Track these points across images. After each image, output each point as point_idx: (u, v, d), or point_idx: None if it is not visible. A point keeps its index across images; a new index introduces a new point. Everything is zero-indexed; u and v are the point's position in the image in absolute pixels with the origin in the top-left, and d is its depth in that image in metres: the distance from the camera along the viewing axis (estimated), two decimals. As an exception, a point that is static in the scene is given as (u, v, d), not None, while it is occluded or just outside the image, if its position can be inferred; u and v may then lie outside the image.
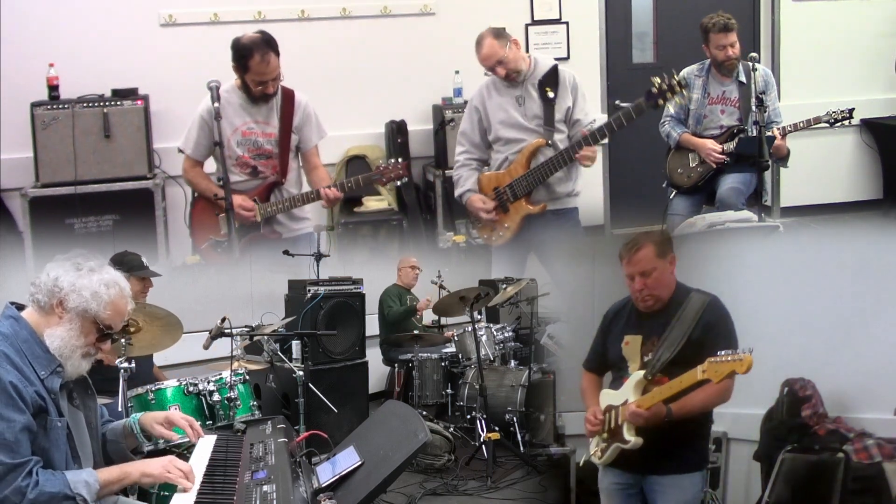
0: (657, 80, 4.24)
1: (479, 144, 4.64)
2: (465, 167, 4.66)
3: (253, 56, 4.17)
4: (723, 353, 2.52)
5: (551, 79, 4.45)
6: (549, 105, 4.43)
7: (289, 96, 4.38)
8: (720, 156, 4.98)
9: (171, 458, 2.49)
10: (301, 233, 4.60)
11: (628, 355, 2.85)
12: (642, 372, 2.76)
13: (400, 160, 4.42)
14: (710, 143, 5.03)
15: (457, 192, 4.71)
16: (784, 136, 4.90)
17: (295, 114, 4.39)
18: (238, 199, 4.30)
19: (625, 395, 2.80)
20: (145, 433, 2.71)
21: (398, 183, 4.50)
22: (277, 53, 4.22)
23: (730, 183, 4.97)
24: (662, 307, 2.82)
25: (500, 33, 4.44)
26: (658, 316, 2.82)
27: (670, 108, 5.22)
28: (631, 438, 2.72)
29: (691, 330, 2.71)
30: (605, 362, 3.02)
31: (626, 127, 4.33)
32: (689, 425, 2.74)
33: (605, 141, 4.41)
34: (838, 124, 5.09)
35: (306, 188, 4.57)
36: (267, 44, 4.19)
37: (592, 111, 4.54)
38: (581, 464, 3.18)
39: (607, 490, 2.94)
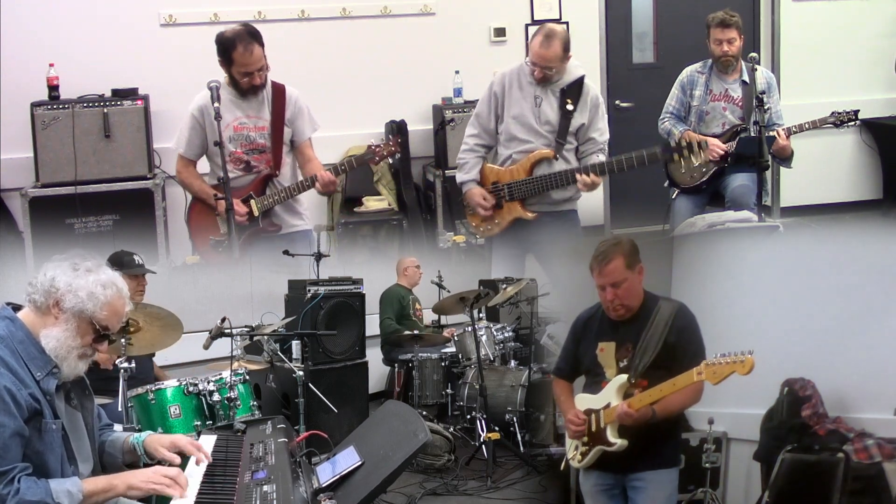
0: (679, 133, 4.21)
1: (491, 131, 4.57)
2: (472, 153, 4.59)
3: (236, 48, 4.15)
4: (720, 355, 2.61)
5: (574, 90, 4.41)
6: (566, 117, 4.40)
7: (279, 90, 4.37)
8: (722, 150, 4.98)
9: (158, 468, 2.45)
10: (299, 229, 4.57)
11: (603, 361, 2.94)
12: (625, 376, 2.84)
13: (391, 136, 4.41)
14: (713, 140, 5.03)
15: (459, 178, 4.64)
16: (788, 136, 4.90)
17: (287, 107, 4.37)
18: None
19: (606, 399, 2.88)
20: (149, 454, 2.62)
21: (391, 160, 4.46)
22: (261, 44, 4.20)
23: (739, 181, 4.96)
24: (633, 315, 2.91)
25: (568, 45, 4.36)
26: (629, 323, 2.91)
27: (670, 104, 5.22)
28: (616, 441, 2.82)
29: (666, 335, 2.82)
30: (577, 369, 3.11)
31: (636, 169, 4.33)
32: (665, 424, 2.84)
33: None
34: (844, 126, 5.08)
35: None
36: (250, 35, 4.18)
37: (607, 129, 4.50)
38: (562, 468, 3.20)
39: (591, 492, 3.01)
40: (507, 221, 4.53)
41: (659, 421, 2.78)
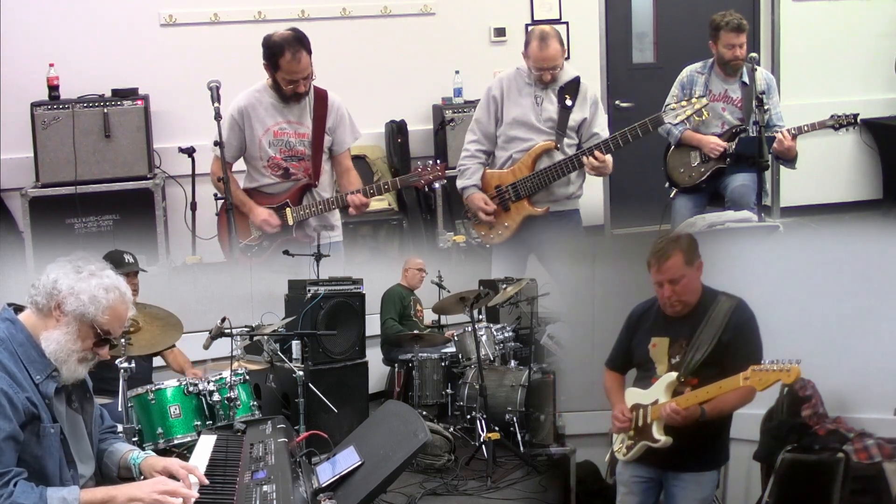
0: (676, 98, 4.28)
1: (491, 136, 4.58)
2: (473, 159, 4.60)
3: (284, 54, 4.07)
4: (768, 362, 2.58)
5: (572, 88, 4.45)
6: (565, 111, 4.43)
7: (322, 96, 4.30)
8: (722, 148, 4.99)
9: (161, 479, 2.39)
10: (331, 241, 4.52)
11: (655, 357, 2.91)
12: (675, 374, 2.82)
13: (438, 161, 4.38)
14: (714, 139, 5.03)
15: (459, 184, 4.64)
16: (794, 137, 4.89)
17: (328, 114, 4.30)
18: (264, 215, 4.26)
19: (655, 395, 2.86)
20: (145, 478, 2.53)
21: (437, 185, 4.42)
22: (309, 51, 4.13)
23: (739, 181, 4.96)
24: (690, 311, 2.88)
25: (562, 41, 4.44)
26: (685, 319, 2.88)
27: (670, 104, 5.21)
28: (661, 437, 2.80)
29: (721, 333, 2.78)
30: (629, 362, 3.09)
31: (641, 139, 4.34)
32: (713, 425, 2.81)
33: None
34: (842, 129, 5.08)
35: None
36: (299, 41, 4.10)
37: (607, 128, 4.54)
38: (606, 460, 3.19)
39: (627, 482, 3.00)
40: (516, 223, 4.52)
41: (708, 420, 2.75)
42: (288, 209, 4.31)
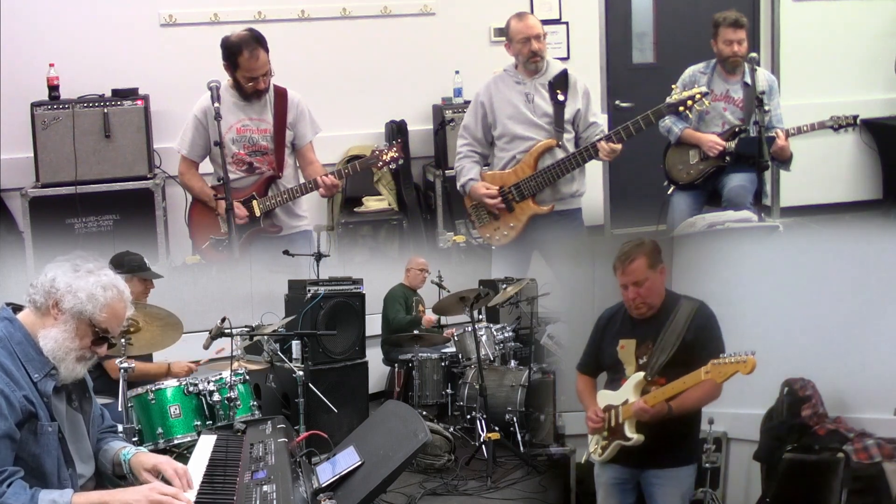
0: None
1: (480, 140, 4.62)
2: (467, 158, 4.63)
3: (242, 53, 4.20)
4: (725, 355, 2.67)
5: (562, 81, 4.47)
6: (559, 106, 4.45)
7: (281, 94, 4.42)
8: (721, 146, 4.99)
9: (155, 484, 2.37)
10: (299, 230, 4.60)
11: (624, 358, 2.99)
12: (642, 373, 2.89)
13: (396, 141, 4.45)
14: (713, 137, 5.04)
15: (459, 183, 4.66)
16: (787, 138, 4.90)
17: (289, 110, 4.42)
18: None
19: (625, 395, 2.92)
20: (133, 475, 2.52)
21: (393, 166, 4.49)
22: (266, 49, 4.25)
23: (737, 181, 4.97)
24: (654, 313, 2.97)
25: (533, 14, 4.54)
26: (650, 321, 2.96)
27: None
28: (633, 436, 2.87)
29: (684, 333, 2.87)
30: (599, 365, 3.16)
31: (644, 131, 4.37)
32: (683, 421, 2.89)
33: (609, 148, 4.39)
34: (842, 130, 5.08)
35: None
36: (256, 40, 4.22)
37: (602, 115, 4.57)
38: (583, 461, 3.23)
39: (605, 485, 3.06)
40: (522, 223, 4.51)
41: (675, 417, 2.81)
42: (255, 201, 4.38)
